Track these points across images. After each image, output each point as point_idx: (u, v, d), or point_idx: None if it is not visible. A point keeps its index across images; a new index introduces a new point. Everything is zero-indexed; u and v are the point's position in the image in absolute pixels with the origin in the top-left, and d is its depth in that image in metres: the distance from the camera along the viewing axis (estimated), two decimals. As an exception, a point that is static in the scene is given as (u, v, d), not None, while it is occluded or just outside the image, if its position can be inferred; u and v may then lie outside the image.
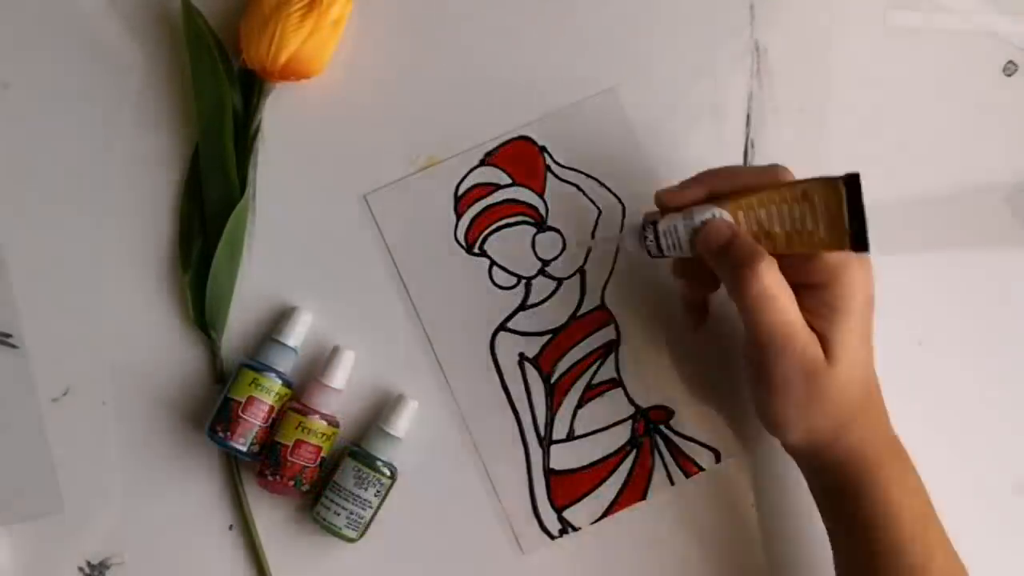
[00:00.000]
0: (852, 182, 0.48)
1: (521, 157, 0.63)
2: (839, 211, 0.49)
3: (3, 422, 0.60)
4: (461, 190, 0.63)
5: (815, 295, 0.51)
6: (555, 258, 0.62)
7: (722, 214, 0.52)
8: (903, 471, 0.54)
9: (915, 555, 0.53)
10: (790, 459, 0.57)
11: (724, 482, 0.62)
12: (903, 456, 0.55)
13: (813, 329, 0.51)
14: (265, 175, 0.62)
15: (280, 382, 0.58)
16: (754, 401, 0.55)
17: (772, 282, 0.50)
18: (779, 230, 0.51)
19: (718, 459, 0.62)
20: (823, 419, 0.52)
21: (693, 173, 0.55)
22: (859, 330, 0.52)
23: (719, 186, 0.54)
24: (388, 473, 0.58)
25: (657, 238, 0.55)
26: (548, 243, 0.62)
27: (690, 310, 0.60)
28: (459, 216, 0.62)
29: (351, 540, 0.58)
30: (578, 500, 0.61)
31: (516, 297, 0.62)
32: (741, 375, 0.56)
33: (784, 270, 0.51)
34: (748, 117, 0.64)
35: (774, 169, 0.53)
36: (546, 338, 0.62)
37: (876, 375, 0.55)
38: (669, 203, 0.55)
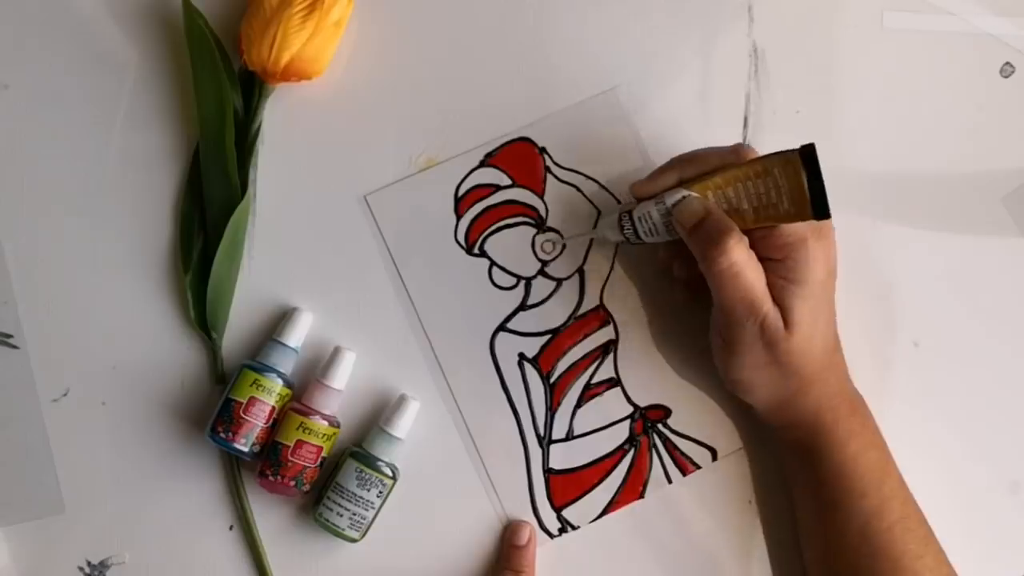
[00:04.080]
0: (808, 154, 0.51)
1: (521, 158, 0.63)
2: (799, 182, 0.51)
3: (3, 422, 0.60)
4: (461, 191, 0.63)
5: (776, 268, 0.54)
6: (554, 258, 0.63)
7: (692, 196, 0.54)
8: (862, 426, 0.57)
9: (868, 505, 0.55)
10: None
11: (721, 480, 0.62)
12: (862, 412, 0.57)
13: (775, 299, 0.54)
14: (265, 175, 0.62)
15: (281, 383, 0.58)
16: (718, 364, 0.58)
17: (739, 258, 0.53)
18: (747, 206, 0.53)
19: (715, 457, 0.62)
20: (782, 381, 0.55)
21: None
22: (817, 301, 0.54)
23: (688, 171, 0.56)
24: (390, 473, 0.58)
25: (634, 225, 0.57)
26: (547, 244, 0.63)
27: (680, 286, 0.61)
28: (459, 217, 0.63)
29: (353, 541, 0.58)
30: (577, 499, 0.62)
31: (516, 297, 0.62)
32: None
33: (754, 244, 0.54)
34: (746, 119, 0.64)
35: (738, 149, 0.55)
36: (545, 338, 0.62)
37: (837, 339, 0.57)
38: (642, 193, 0.58)
